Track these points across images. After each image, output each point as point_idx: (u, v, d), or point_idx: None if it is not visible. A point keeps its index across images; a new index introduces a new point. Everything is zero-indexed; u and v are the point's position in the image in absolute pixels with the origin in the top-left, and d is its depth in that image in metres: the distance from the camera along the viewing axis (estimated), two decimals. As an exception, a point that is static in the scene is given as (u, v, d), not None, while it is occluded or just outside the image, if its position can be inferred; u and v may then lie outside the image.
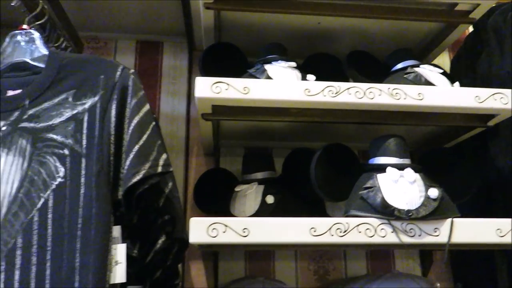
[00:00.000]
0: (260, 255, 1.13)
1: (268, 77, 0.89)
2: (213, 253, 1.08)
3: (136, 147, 0.73)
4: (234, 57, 1.01)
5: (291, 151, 1.04)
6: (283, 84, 0.82)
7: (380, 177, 0.80)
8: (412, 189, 0.78)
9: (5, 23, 1.24)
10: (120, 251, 0.72)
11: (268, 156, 1.04)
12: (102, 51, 1.28)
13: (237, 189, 0.97)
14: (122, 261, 0.71)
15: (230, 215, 0.96)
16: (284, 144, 1.16)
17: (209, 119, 0.87)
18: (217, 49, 1.01)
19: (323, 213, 1.01)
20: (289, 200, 0.94)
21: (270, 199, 0.91)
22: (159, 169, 0.75)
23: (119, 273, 0.71)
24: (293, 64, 0.94)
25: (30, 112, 0.77)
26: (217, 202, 1.01)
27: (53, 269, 0.69)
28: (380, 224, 0.76)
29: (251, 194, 0.93)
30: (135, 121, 0.76)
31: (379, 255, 1.16)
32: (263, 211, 0.90)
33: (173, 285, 0.87)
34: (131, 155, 0.73)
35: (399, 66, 1.00)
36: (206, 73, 0.92)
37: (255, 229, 0.72)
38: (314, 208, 0.99)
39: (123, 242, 0.73)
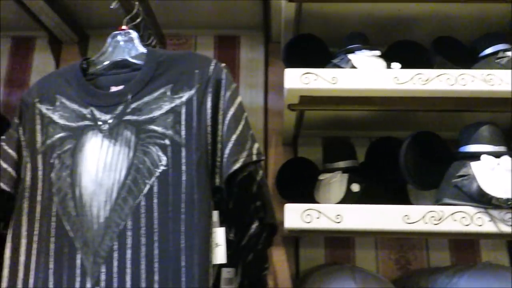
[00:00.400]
0: (340, 243, 1.14)
1: (353, 67, 0.90)
2: (294, 240, 1.11)
3: (234, 137, 0.78)
4: (315, 48, 1.02)
5: (376, 140, 1.05)
6: (372, 73, 0.83)
7: (474, 165, 0.79)
8: (511, 177, 0.76)
9: (94, 26, 1.35)
10: (219, 234, 0.77)
11: (349, 145, 1.05)
12: (184, 47, 1.35)
13: (321, 177, 0.99)
14: (221, 243, 0.76)
15: (312, 202, 0.99)
16: (362, 134, 1.17)
17: (296, 110, 0.89)
18: (299, 40, 1.03)
19: (407, 202, 1.00)
20: (373, 189, 0.94)
21: (355, 187, 0.92)
22: (254, 157, 0.79)
23: (219, 255, 0.76)
24: (377, 52, 0.94)
25: (133, 106, 0.84)
26: (299, 190, 1.04)
27: (160, 249, 0.75)
28: (477, 212, 0.74)
29: (335, 183, 0.95)
30: (230, 112, 0.80)
31: (463, 246, 1.13)
32: (349, 199, 0.91)
33: (263, 268, 0.91)
34: (230, 144, 0.77)
35: (489, 51, 0.97)
36: (290, 64, 0.94)
37: (348, 216, 0.74)
38: (398, 196, 0.98)
39: (220, 226, 0.78)
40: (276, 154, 1.22)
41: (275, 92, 1.28)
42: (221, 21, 1.33)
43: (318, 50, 1.02)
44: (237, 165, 0.76)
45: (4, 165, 0.85)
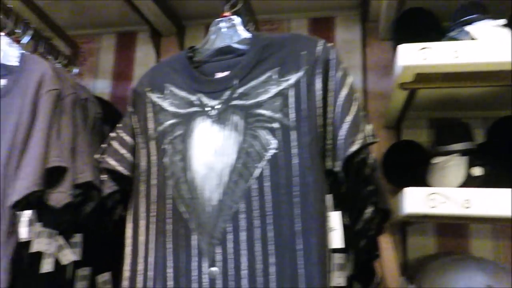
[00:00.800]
0: (453, 231, 1.07)
1: (473, 39, 0.82)
2: (401, 227, 1.06)
3: (349, 118, 0.75)
4: (426, 22, 0.95)
5: (499, 119, 0.95)
6: (500, 44, 0.74)
7: None
8: None
9: (190, 17, 1.39)
10: (335, 218, 0.75)
11: (465, 126, 0.97)
12: (276, 32, 1.34)
13: (434, 161, 0.93)
14: (337, 227, 0.74)
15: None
16: (474, 114, 1.07)
17: (409, 88, 0.84)
18: (408, 15, 0.97)
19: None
20: (498, 172, 0.86)
21: (477, 171, 0.85)
22: (370, 139, 0.75)
23: (335, 239, 0.74)
24: (502, 21, 0.85)
25: (240, 91, 0.84)
26: (408, 175, 0.99)
27: (275, 232, 0.75)
28: None
29: (452, 166, 0.88)
30: (343, 92, 0.77)
31: None
32: (470, 183, 0.84)
33: (374, 255, 0.87)
34: (345, 126, 0.74)
35: None
36: (399, 40, 0.89)
37: (479, 201, 0.68)
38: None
39: (334, 211, 0.76)
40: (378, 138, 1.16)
41: (374, 73, 1.22)
42: (314, 3, 1.29)
43: (429, 25, 0.94)
44: (354, 148, 0.73)
45: (123, 151, 0.91)
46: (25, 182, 0.81)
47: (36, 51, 1.14)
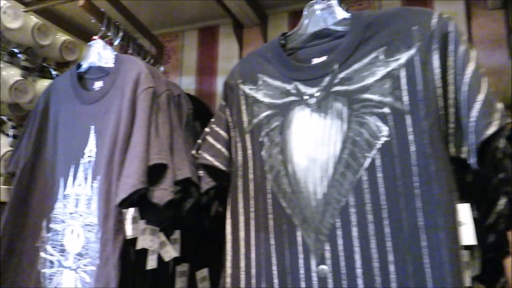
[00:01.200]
0: None
1: None
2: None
3: (480, 97, 0.65)
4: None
5: None
6: None
7: None
8: None
9: (272, 5, 1.34)
10: (464, 211, 0.66)
11: None
12: (366, 12, 1.25)
13: None
14: (467, 222, 0.66)
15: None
16: None
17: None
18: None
19: None
20: None
21: None
22: (506, 119, 0.65)
23: (466, 235, 0.65)
24: None
25: (341, 75, 0.78)
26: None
27: (392, 227, 0.68)
28: None
29: None
30: (469, 69, 0.68)
31: None
32: None
33: (505, 252, 0.77)
34: (476, 106, 0.65)
35: None
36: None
37: None
38: None
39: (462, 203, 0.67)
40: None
41: (483, 47, 1.09)
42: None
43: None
44: (491, 130, 0.63)
45: (218, 146, 0.89)
46: (130, 180, 0.82)
47: (125, 52, 1.16)
